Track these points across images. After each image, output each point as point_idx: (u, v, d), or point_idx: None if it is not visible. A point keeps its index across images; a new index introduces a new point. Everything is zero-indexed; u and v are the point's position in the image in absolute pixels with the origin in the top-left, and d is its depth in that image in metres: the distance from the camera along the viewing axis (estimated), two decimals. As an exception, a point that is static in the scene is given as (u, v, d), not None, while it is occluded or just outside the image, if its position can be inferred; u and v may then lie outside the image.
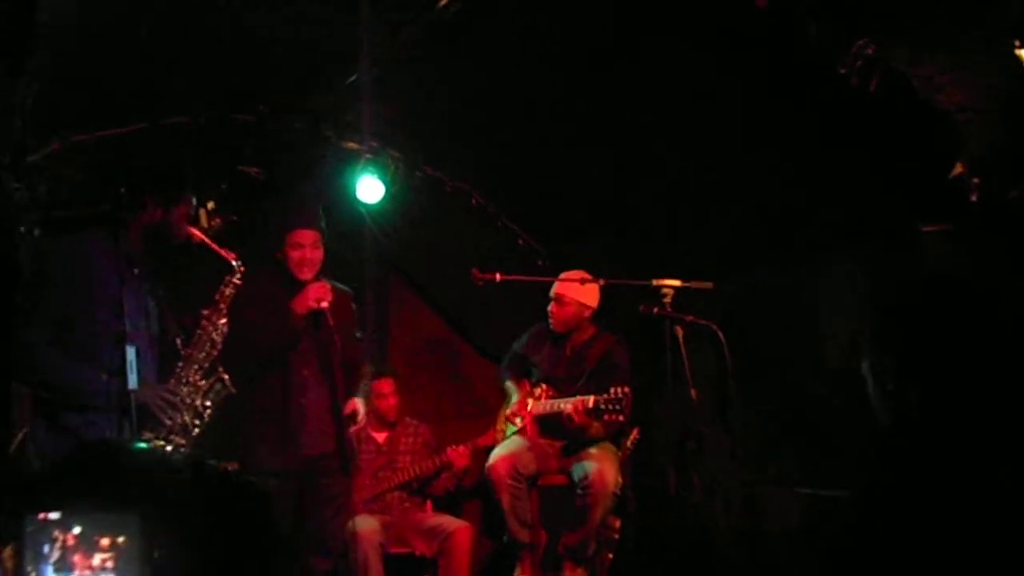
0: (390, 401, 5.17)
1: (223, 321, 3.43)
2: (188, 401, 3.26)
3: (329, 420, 3.90)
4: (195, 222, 3.52)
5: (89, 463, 2.21)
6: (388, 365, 5.42)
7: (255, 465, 3.73)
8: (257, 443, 3.82)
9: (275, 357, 3.86)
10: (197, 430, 3.27)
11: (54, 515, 1.99)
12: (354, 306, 4.22)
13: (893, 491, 1.78)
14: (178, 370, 3.31)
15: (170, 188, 3.34)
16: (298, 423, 3.85)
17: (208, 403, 3.32)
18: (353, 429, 4.11)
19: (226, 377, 3.37)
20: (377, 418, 5.13)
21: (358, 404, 4.08)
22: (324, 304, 3.85)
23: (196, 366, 3.34)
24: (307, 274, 3.93)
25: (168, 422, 3.19)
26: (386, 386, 5.19)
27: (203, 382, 3.34)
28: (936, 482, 1.72)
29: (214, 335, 3.40)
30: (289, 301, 3.86)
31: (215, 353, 3.39)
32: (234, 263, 3.49)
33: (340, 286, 4.16)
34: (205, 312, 3.43)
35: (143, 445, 2.84)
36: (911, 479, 1.76)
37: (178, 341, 3.36)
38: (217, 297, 3.47)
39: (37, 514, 1.95)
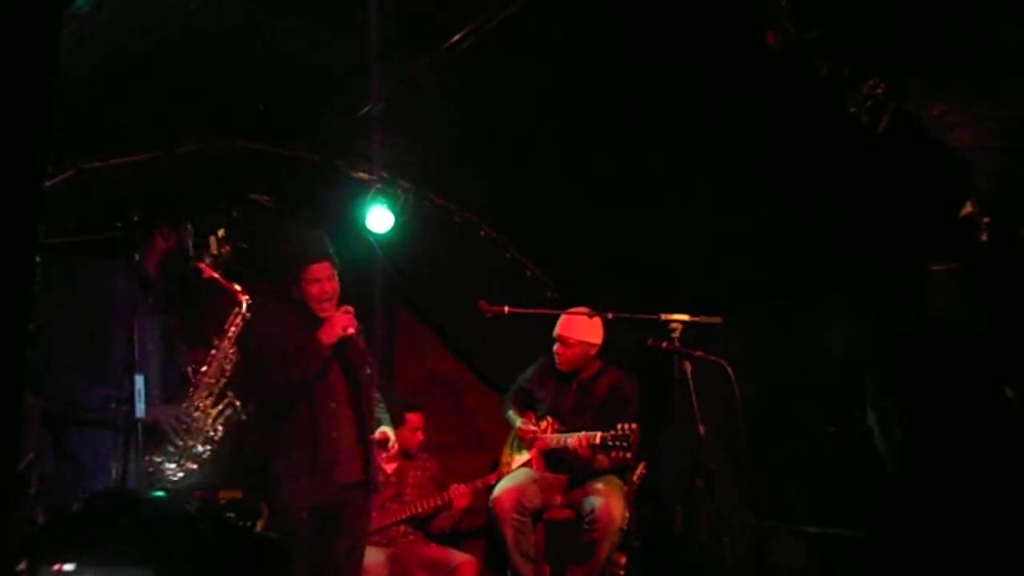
0: (419, 436, 5.12)
1: (232, 350, 3.59)
2: (199, 426, 3.38)
3: (359, 448, 3.77)
4: (204, 249, 3.60)
5: (105, 512, 2.19)
6: (418, 399, 5.31)
7: (286, 502, 3.59)
8: (289, 479, 3.64)
9: (305, 390, 3.68)
10: (208, 454, 3.39)
11: (68, 567, 1.97)
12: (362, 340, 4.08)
13: (902, 539, 1.77)
14: (189, 395, 3.41)
15: (178, 216, 3.52)
16: (332, 454, 3.69)
17: (219, 428, 3.45)
18: (384, 456, 4.13)
19: (237, 403, 3.50)
20: (402, 450, 5.04)
21: (389, 432, 4.07)
22: (351, 331, 3.72)
23: (207, 392, 3.51)
24: (328, 310, 3.77)
25: (179, 443, 3.35)
26: (418, 420, 5.13)
27: (214, 408, 3.47)
28: (944, 530, 1.72)
29: (224, 363, 3.57)
30: (313, 334, 3.70)
31: (224, 380, 3.55)
32: (242, 298, 3.60)
33: None
34: (215, 341, 3.57)
35: (160, 494, 2.87)
36: (919, 528, 1.75)
37: (189, 369, 3.47)
38: (226, 326, 3.62)
39: (51, 564, 1.93)
